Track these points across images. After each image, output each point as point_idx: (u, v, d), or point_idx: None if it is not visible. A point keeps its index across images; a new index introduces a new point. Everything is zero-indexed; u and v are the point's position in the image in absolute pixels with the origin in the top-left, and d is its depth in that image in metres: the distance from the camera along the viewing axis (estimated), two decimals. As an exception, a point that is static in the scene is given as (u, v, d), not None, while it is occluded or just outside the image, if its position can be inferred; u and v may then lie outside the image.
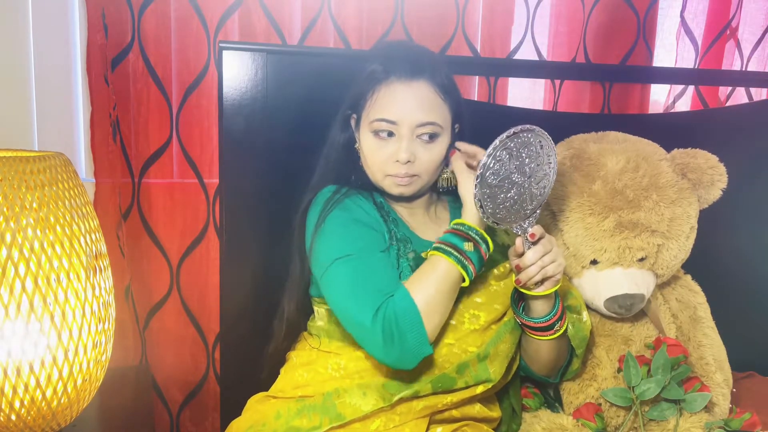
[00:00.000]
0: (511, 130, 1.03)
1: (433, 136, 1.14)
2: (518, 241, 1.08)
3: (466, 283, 1.08)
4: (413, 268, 1.13)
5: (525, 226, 1.08)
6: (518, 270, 1.08)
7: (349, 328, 1.10)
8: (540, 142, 1.06)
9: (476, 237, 1.08)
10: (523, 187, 1.06)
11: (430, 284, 1.06)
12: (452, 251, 1.07)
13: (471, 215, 1.09)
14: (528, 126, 1.04)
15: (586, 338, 1.21)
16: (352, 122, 1.20)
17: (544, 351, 1.19)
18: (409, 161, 1.13)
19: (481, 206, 1.04)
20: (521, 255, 1.08)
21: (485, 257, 1.09)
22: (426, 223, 1.23)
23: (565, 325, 1.16)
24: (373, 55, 1.20)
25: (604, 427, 1.23)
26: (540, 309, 1.13)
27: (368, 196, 1.20)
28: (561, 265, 1.10)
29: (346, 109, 1.20)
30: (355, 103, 1.18)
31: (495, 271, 1.20)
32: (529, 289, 1.10)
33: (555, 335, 1.15)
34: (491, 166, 1.03)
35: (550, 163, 1.08)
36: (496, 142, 1.02)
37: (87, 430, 1.27)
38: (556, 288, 1.10)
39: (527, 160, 1.05)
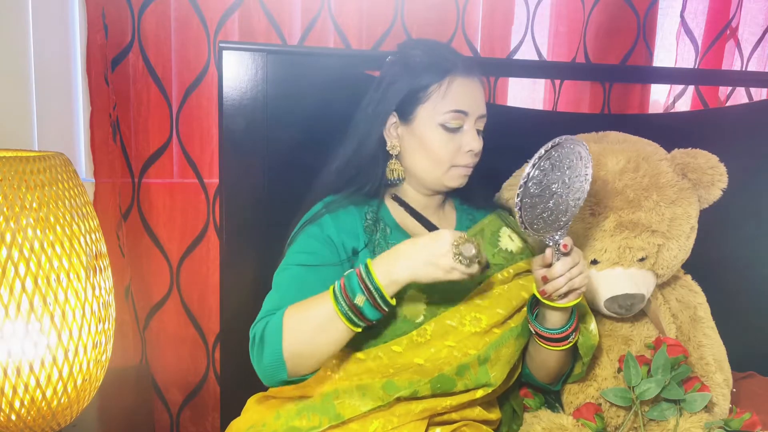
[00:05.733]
0: (556, 140, 1.03)
1: (482, 129, 1.17)
2: (548, 251, 1.06)
3: (359, 330, 1.03)
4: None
5: (557, 237, 1.06)
6: (544, 281, 1.07)
7: None
8: (580, 153, 1.05)
9: (374, 291, 0.99)
10: (561, 198, 1.05)
11: (307, 317, 1.03)
12: (342, 300, 1.00)
13: (383, 261, 1.01)
14: (570, 137, 1.04)
15: (594, 347, 1.20)
16: (391, 120, 1.17)
17: (552, 360, 1.19)
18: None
19: (520, 216, 1.03)
20: (548, 266, 1.07)
21: (383, 312, 1.02)
22: (436, 223, 1.22)
23: (578, 336, 1.16)
24: (409, 52, 1.17)
25: (604, 427, 1.23)
26: (557, 320, 1.12)
27: (364, 210, 1.18)
28: (587, 278, 1.09)
29: (387, 107, 1.16)
30: (406, 99, 1.14)
31: (499, 275, 1.19)
32: (552, 300, 1.09)
33: (567, 346, 1.14)
34: (535, 175, 1.02)
35: (587, 175, 1.06)
36: (541, 151, 1.02)
37: (87, 430, 1.27)
38: (578, 300, 1.10)
39: (567, 171, 1.05)
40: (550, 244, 1.07)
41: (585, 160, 1.06)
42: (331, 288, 1.03)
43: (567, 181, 1.05)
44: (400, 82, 1.15)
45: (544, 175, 1.03)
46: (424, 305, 1.13)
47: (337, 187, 1.20)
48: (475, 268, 1.00)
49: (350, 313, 1.01)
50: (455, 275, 1.00)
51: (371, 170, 1.18)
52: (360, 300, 1.00)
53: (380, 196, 1.20)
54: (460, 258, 0.98)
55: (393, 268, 1.00)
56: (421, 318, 1.13)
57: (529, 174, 1.02)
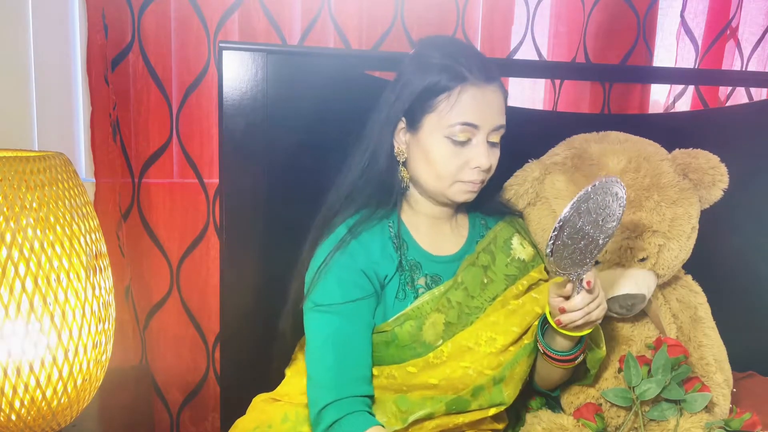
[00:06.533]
0: (596, 182, 0.99)
1: (498, 141, 1.11)
2: (569, 286, 1.04)
3: None
4: (423, 292, 1.13)
5: (580, 272, 1.04)
6: (561, 312, 1.05)
7: (308, 381, 1.10)
8: (616, 193, 1.01)
9: None
10: (592, 238, 1.02)
11: None
12: None
13: None
14: (609, 177, 1.00)
15: (601, 359, 1.19)
16: (400, 126, 1.12)
17: (558, 375, 1.19)
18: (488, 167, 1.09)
19: (551, 256, 1.00)
20: (567, 297, 1.05)
21: None
22: (446, 235, 1.19)
23: (586, 355, 1.16)
24: (426, 53, 1.11)
25: (604, 427, 1.23)
26: (567, 344, 1.11)
27: (387, 224, 1.15)
28: (604, 309, 1.07)
29: (398, 112, 1.10)
30: (416, 105, 1.08)
31: (513, 289, 1.17)
32: (566, 329, 1.07)
33: (575, 364, 1.14)
34: (571, 217, 0.99)
35: (619, 216, 1.03)
36: (581, 194, 0.98)
37: (87, 430, 1.27)
38: (591, 330, 1.08)
39: (602, 212, 1.01)
40: (573, 279, 1.04)
41: (620, 200, 1.02)
42: None
43: (600, 222, 1.01)
44: (412, 84, 1.09)
45: (579, 218, 0.99)
46: (443, 326, 1.11)
47: (356, 203, 1.15)
48: None
49: None
50: None
51: (389, 179, 1.13)
52: None
53: (397, 206, 1.16)
54: None
55: None
56: (440, 341, 1.11)
57: (565, 216, 0.98)
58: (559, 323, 1.06)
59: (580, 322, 1.04)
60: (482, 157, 1.08)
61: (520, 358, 1.14)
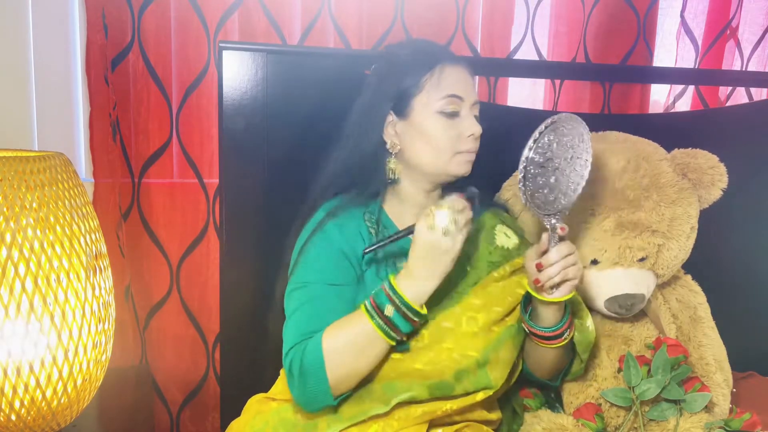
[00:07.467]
0: (563, 114, 1.07)
1: (478, 116, 1.18)
2: (545, 237, 1.07)
3: (393, 344, 1.06)
4: None
5: (554, 221, 1.07)
6: (538, 268, 1.07)
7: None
8: (582, 134, 1.08)
9: (400, 304, 1.04)
10: (562, 175, 1.07)
11: (345, 338, 1.05)
12: (375, 313, 1.04)
13: (405, 277, 1.05)
14: (575, 116, 1.08)
15: (592, 343, 1.19)
16: (388, 120, 1.17)
17: (548, 357, 1.18)
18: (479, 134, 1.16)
19: (523, 183, 1.06)
20: (543, 254, 1.07)
21: (415, 323, 1.06)
22: None
23: (573, 333, 1.16)
24: (396, 52, 1.20)
25: (604, 427, 1.23)
26: (550, 317, 1.11)
27: (364, 211, 1.18)
28: (581, 270, 1.09)
29: (383, 108, 1.16)
30: (400, 95, 1.15)
31: (495, 273, 1.18)
32: (545, 291, 1.08)
33: (562, 343, 1.13)
34: (541, 144, 1.06)
35: (587, 160, 1.07)
36: (548, 121, 1.06)
37: (87, 430, 1.27)
38: (570, 295, 1.09)
39: (570, 150, 1.07)
40: (547, 226, 1.07)
41: (585, 144, 1.07)
42: (362, 306, 1.06)
43: (569, 159, 1.07)
44: (391, 81, 1.15)
45: (548, 146, 1.06)
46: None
47: (335, 190, 1.19)
48: (465, 217, 1.04)
49: (385, 327, 1.04)
50: (459, 243, 1.04)
51: (373, 171, 1.18)
52: (389, 311, 1.04)
53: (380, 196, 1.20)
54: (448, 229, 1.02)
55: (415, 283, 1.05)
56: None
57: (535, 140, 1.05)
58: (536, 282, 1.07)
59: (557, 279, 1.06)
60: (474, 126, 1.15)
61: (505, 341, 1.14)
